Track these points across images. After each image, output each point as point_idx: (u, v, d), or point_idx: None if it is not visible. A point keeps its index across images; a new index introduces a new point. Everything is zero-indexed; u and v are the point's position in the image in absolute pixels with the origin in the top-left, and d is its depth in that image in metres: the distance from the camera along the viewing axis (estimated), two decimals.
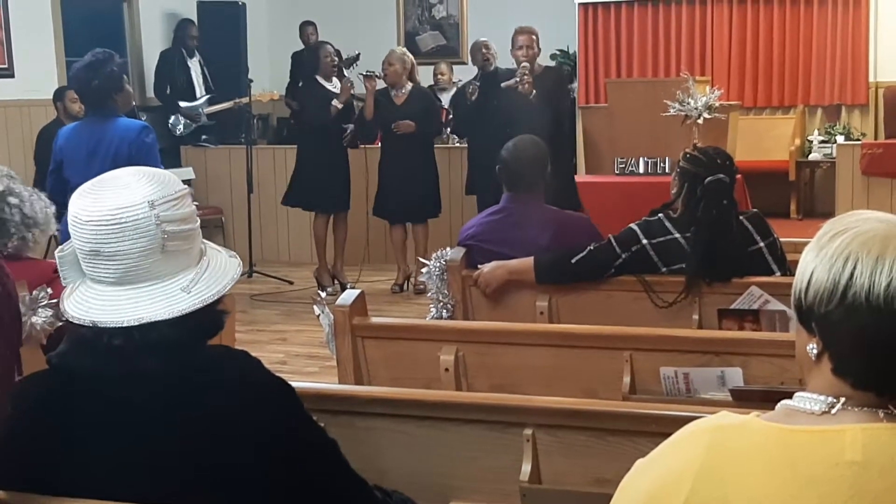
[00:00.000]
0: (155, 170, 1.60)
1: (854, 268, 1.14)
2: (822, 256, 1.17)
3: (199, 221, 1.61)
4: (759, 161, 8.27)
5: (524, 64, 5.96)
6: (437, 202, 6.87)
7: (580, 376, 2.67)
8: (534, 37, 6.09)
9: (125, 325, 1.50)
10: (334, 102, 6.68)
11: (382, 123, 6.75)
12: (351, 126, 6.83)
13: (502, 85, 6.09)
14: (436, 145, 7.05)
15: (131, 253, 1.51)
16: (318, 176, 6.76)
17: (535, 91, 5.89)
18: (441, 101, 7.81)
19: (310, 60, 7.12)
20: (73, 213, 1.54)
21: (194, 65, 8.40)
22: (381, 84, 6.79)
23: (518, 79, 5.93)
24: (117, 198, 1.51)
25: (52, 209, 2.85)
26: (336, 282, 6.93)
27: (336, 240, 7.00)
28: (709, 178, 3.24)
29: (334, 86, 6.86)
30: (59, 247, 1.59)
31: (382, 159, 6.84)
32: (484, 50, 6.58)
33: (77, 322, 1.53)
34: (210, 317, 1.58)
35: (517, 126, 5.54)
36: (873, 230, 1.16)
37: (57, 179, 4.27)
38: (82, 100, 4.46)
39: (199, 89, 8.35)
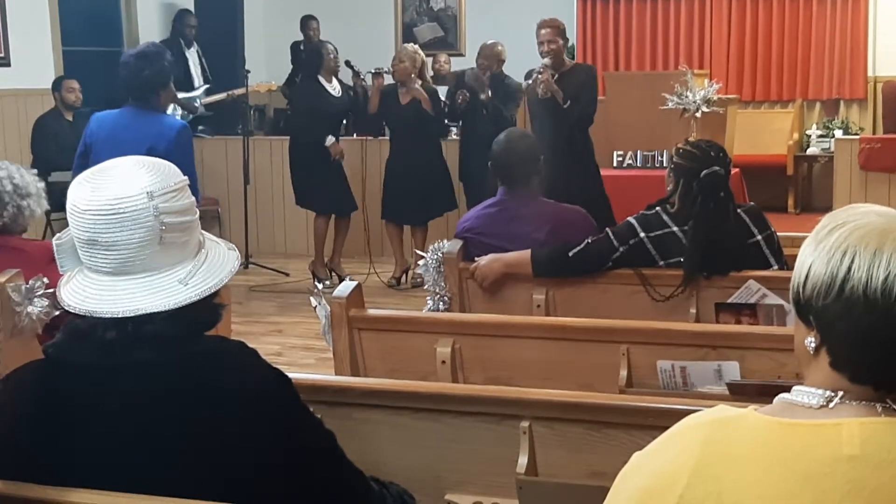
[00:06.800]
0: (155, 160, 1.59)
1: (852, 261, 1.13)
2: (820, 250, 1.17)
3: (197, 213, 1.60)
4: (757, 155, 8.27)
5: (543, 63, 5.62)
6: (444, 199, 6.81)
7: (577, 369, 2.67)
8: (557, 30, 5.72)
9: (121, 315, 1.49)
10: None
11: (388, 121, 6.76)
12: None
13: (522, 85, 5.82)
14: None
15: (129, 243, 1.50)
16: (321, 178, 6.72)
17: (567, 99, 5.52)
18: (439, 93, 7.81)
19: (311, 58, 7.10)
20: (71, 201, 1.53)
21: (192, 55, 8.37)
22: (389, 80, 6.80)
23: (534, 79, 5.62)
24: (116, 188, 1.51)
25: (42, 184, 2.85)
26: (333, 274, 6.93)
27: (336, 239, 6.98)
28: (704, 172, 3.23)
29: (334, 87, 6.84)
30: (57, 234, 1.58)
31: (389, 158, 6.85)
32: (493, 60, 6.47)
33: (73, 311, 1.52)
34: (207, 310, 1.57)
35: (543, 132, 5.47)
36: (871, 224, 1.16)
37: (83, 165, 4.20)
38: (127, 88, 4.36)
39: (197, 80, 8.33)
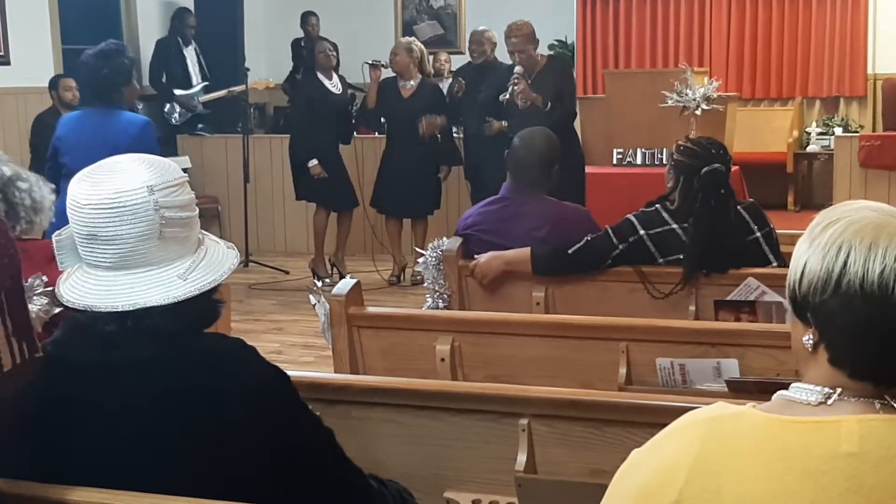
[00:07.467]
0: (155, 157, 1.60)
1: (847, 256, 1.14)
2: (815, 247, 1.17)
3: (197, 210, 1.60)
4: (757, 153, 8.28)
5: (516, 71, 5.59)
6: (436, 199, 6.83)
7: (576, 367, 2.67)
8: (526, 37, 5.69)
9: (120, 309, 1.49)
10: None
11: (387, 114, 6.74)
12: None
13: (501, 99, 5.79)
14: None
15: (129, 237, 1.50)
16: (326, 172, 6.74)
17: (548, 101, 5.49)
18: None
19: (309, 54, 7.11)
20: (71, 196, 1.53)
21: (190, 53, 8.37)
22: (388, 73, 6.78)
23: (510, 92, 5.59)
24: (116, 182, 1.51)
25: (53, 197, 2.85)
26: (335, 271, 6.92)
27: (339, 233, 6.98)
28: (705, 169, 3.23)
29: (333, 83, 6.84)
30: (57, 231, 1.58)
31: (385, 151, 6.83)
32: (486, 44, 6.46)
33: (72, 306, 1.52)
34: (206, 306, 1.57)
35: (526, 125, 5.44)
36: (865, 219, 1.16)
37: (53, 166, 4.24)
38: (88, 87, 4.35)
39: (195, 78, 8.32)
